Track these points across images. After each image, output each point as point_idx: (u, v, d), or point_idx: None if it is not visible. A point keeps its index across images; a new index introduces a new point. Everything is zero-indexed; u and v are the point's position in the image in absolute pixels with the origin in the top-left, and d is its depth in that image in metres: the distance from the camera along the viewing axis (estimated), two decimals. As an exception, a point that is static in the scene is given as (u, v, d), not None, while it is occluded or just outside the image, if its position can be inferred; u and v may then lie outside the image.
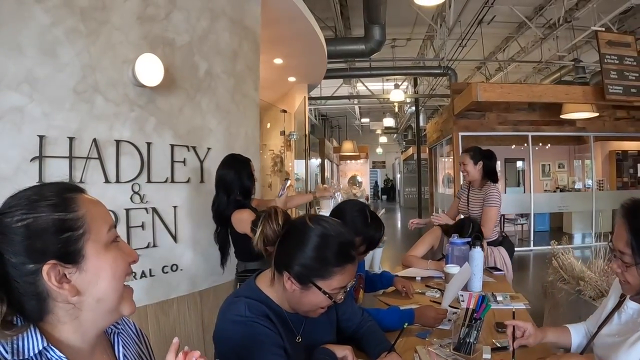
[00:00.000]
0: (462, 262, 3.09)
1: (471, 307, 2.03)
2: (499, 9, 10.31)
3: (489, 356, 1.95)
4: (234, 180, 3.43)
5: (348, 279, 1.64)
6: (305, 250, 1.59)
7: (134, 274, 3.18)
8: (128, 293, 1.15)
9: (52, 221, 1.00)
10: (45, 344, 0.99)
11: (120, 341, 1.24)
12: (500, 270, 3.80)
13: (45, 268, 0.97)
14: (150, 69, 3.16)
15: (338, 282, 1.61)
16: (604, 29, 9.80)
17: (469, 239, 3.26)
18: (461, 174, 4.83)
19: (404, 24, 12.00)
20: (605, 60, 9.49)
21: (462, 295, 2.88)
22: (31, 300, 1.00)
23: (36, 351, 0.97)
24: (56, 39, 2.83)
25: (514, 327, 1.93)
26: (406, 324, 1.99)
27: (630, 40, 9.81)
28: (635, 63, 9.74)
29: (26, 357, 0.96)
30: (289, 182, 4.22)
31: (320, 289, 1.59)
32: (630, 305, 1.75)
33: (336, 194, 4.60)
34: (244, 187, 3.48)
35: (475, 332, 1.99)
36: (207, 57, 3.83)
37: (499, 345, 2.11)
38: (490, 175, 4.41)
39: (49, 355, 0.99)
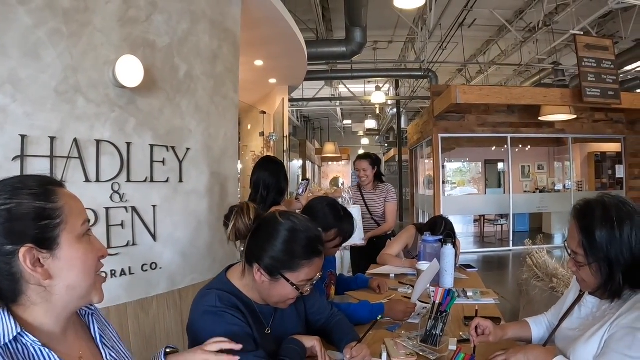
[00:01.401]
0: (434, 259, 3.19)
1: (437, 300, 2.12)
2: (480, 13, 10.46)
3: (454, 347, 2.02)
4: (272, 181, 3.70)
5: (315, 272, 1.72)
6: (275, 244, 1.66)
7: (113, 272, 3.22)
8: (99, 282, 1.21)
9: (33, 208, 1.07)
10: (19, 330, 1.05)
11: (95, 322, 1.30)
12: (473, 267, 3.90)
13: (22, 250, 1.04)
14: (130, 71, 3.20)
15: (305, 274, 1.69)
16: (582, 33, 9.97)
17: (440, 237, 3.35)
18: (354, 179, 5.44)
19: (386, 26, 12.11)
20: (583, 64, 9.66)
21: (433, 291, 2.97)
22: (5, 280, 1.06)
23: (11, 337, 1.03)
24: (39, 40, 2.86)
25: (476, 326, 2.00)
26: (380, 316, 2.08)
27: (608, 44, 9.98)
28: (612, 66, 9.91)
29: (1, 344, 1.02)
30: (308, 182, 4.79)
31: (288, 280, 1.67)
32: (589, 299, 1.81)
33: (344, 194, 4.92)
34: (280, 188, 3.75)
35: (442, 324, 2.07)
36: (187, 59, 3.88)
37: (464, 337, 2.19)
38: (379, 177, 5.18)
39: (23, 341, 1.06)
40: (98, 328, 1.30)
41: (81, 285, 1.15)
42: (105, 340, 1.30)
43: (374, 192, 5.07)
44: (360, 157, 5.15)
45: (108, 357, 1.27)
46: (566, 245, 1.76)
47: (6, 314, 1.06)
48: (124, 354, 1.35)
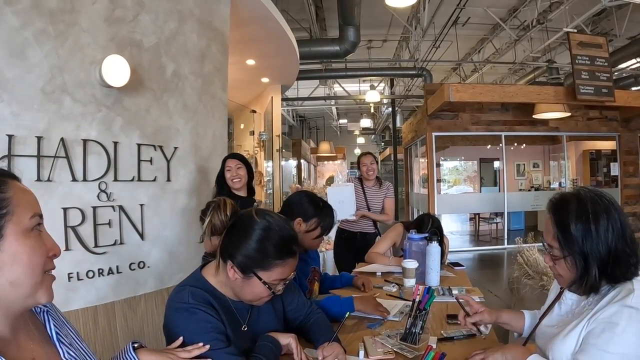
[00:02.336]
0: (420, 257, 3.22)
1: (417, 298, 2.13)
2: (474, 11, 10.46)
3: (434, 346, 2.01)
4: None
5: (288, 272, 1.73)
6: (249, 242, 1.67)
7: (101, 271, 3.24)
8: (48, 282, 1.15)
9: None
10: None
11: (51, 319, 1.25)
12: (461, 265, 3.92)
13: None
14: (116, 70, 3.23)
15: (278, 274, 1.70)
16: (576, 31, 9.96)
17: (426, 235, 3.37)
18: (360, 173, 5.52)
19: (380, 25, 12.10)
20: (577, 61, 9.63)
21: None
22: None
23: None
24: (25, 40, 2.89)
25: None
26: (348, 313, 2.09)
27: (602, 41, 9.96)
28: (606, 64, 9.89)
29: None
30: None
31: (260, 279, 1.67)
32: (568, 296, 1.80)
33: (339, 175, 5.41)
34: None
35: (421, 322, 2.08)
36: (174, 58, 3.90)
37: (445, 335, 2.19)
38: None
39: None
40: (54, 325, 1.26)
41: (25, 283, 1.08)
42: (62, 337, 1.26)
43: (377, 188, 5.39)
44: (364, 154, 5.49)
45: (66, 356, 1.22)
46: (542, 239, 1.77)
47: None
48: (84, 351, 1.31)
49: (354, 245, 5.24)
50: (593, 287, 1.64)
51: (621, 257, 1.59)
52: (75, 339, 1.32)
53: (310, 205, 2.63)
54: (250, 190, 4.23)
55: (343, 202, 5.04)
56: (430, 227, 3.66)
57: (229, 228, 1.73)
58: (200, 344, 1.57)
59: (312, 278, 2.83)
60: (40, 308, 1.26)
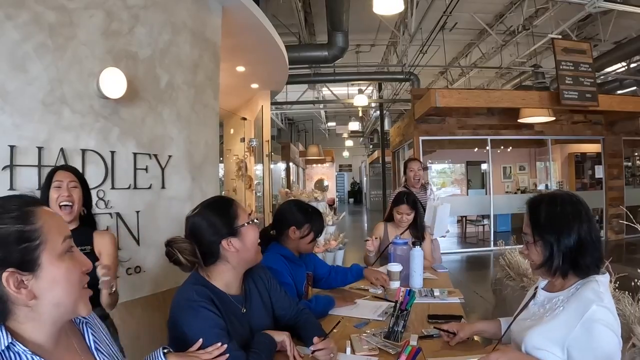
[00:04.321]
0: (404, 261, 3.36)
1: (399, 299, 2.29)
2: (461, 17, 10.56)
3: (415, 343, 2.17)
4: None
5: (243, 207, 2.07)
6: (215, 222, 1.95)
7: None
8: (84, 295, 1.23)
9: (13, 232, 1.08)
10: (10, 340, 1.08)
11: (89, 330, 1.35)
12: (444, 268, 4.05)
13: (5, 275, 1.06)
14: (113, 82, 3.35)
15: (243, 213, 2.02)
16: (560, 37, 10.15)
17: (409, 239, 3.53)
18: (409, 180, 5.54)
19: (368, 30, 12.17)
20: (561, 67, 9.80)
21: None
22: None
23: (3, 347, 1.07)
24: (26, 54, 3.01)
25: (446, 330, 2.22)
26: (340, 318, 2.30)
27: (586, 47, 10.13)
28: (590, 69, 10.06)
29: None
30: None
31: (242, 225, 1.96)
32: (541, 294, 1.99)
33: (430, 190, 5.75)
34: None
35: (403, 321, 2.25)
36: (168, 69, 4.02)
37: (426, 333, 2.36)
38: None
39: (15, 349, 1.09)
40: (92, 334, 1.34)
41: (67, 302, 1.17)
42: (100, 346, 1.35)
43: (423, 194, 5.49)
44: (412, 159, 5.67)
45: None
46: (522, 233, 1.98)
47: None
48: (115, 355, 1.41)
49: None
50: (557, 270, 1.84)
51: (586, 248, 1.79)
52: (109, 344, 1.42)
53: (300, 213, 2.84)
54: (88, 220, 2.73)
55: (442, 221, 5.01)
56: (406, 201, 4.05)
57: (191, 238, 1.96)
58: (219, 344, 1.74)
59: (307, 283, 2.98)
60: (79, 319, 1.34)
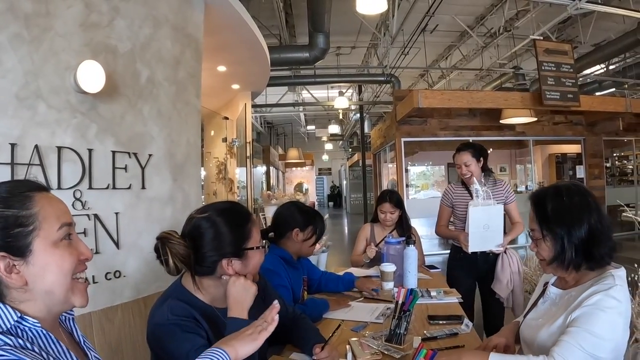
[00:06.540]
0: (398, 260, 3.26)
1: (400, 300, 2.17)
2: (442, 19, 10.63)
3: (416, 345, 2.07)
4: None
5: (258, 226, 1.84)
6: (221, 235, 1.74)
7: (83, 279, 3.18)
8: (80, 287, 1.24)
9: (6, 217, 1.10)
10: (19, 315, 1.10)
11: (76, 325, 1.34)
12: (436, 268, 3.97)
13: None
14: (92, 76, 3.17)
15: (257, 233, 1.82)
16: (542, 38, 10.25)
17: (403, 239, 3.42)
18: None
19: (349, 32, 12.20)
20: (543, 68, 9.91)
21: (396, 291, 3.03)
22: None
23: (12, 322, 1.08)
24: (0, 44, 2.82)
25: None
26: (340, 323, 2.15)
27: (567, 48, 10.27)
28: (571, 70, 10.20)
29: (4, 329, 1.07)
30: None
31: (252, 248, 1.77)
32: (552, 291, 1.93)
33: (475, 188, 3.71)
34: None
35: (405, 323, 2.13)
36: (149, 64, 3.86)
37: (429, 335, 2.26)
38: (485, 169, 4.19)
39: (24, 324, 1.11)
40: (80, 331, 1.34)
41: (58, 290, 1.17)
42: (88, 342, 1.35)
43: (494, 186, 4.16)
44: (459, 149, 4.12)
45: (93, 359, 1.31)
46: (528, 231, 1.93)
47: (1, 304, 1.10)
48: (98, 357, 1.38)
49: (475, 269, 4.02)
50: (570, 264, 1.77)
51: (598, 238, 1.73)
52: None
53: (302, 215, 2.76)
54: None
55: (489, 228, 3.61)
56: (389, 199, 4.04)
57: (193, 243, 1.75)
58: (276, 302, 1.58)
59: (304, 287, 2.90)
60: (65, 316, 1.34)
